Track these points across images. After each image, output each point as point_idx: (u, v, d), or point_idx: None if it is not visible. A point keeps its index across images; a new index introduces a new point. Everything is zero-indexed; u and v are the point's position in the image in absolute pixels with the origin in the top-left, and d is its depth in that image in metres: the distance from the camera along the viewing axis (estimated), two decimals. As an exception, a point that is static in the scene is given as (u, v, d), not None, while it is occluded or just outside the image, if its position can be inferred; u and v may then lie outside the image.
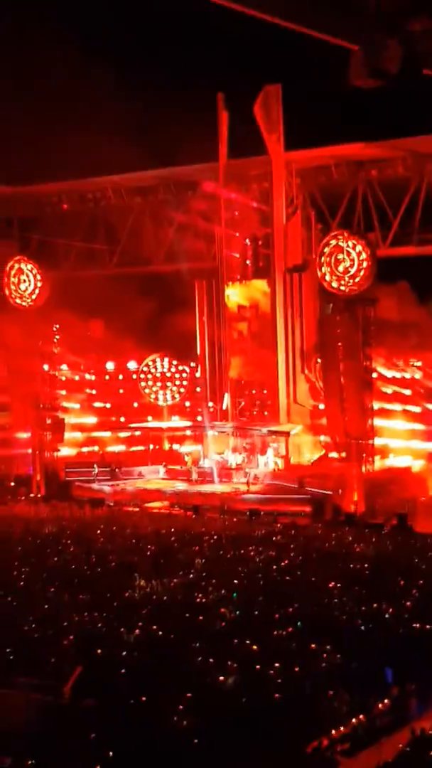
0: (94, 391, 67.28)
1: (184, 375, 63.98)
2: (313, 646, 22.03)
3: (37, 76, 55.31)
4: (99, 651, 22.19)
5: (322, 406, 54.57)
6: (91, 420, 66.19)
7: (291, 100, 56.00)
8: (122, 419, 66.54)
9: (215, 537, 39.14)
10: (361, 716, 18.65)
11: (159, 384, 64.10)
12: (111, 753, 16.35)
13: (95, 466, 57.76)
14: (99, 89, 52.12)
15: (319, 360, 54.80)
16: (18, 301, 58.12)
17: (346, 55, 12.72)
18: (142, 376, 64.26)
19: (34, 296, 58.10)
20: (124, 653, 21.98)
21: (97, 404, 66.98)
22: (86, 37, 55.61)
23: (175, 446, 63.79)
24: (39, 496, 55.64)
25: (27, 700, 19.24)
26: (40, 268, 58.53)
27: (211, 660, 21.21)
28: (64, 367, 63.20)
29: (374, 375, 51.66)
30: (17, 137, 54.77)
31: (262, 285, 59.81)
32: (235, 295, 60.49)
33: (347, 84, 12.84)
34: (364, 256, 49.76)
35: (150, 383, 64.08)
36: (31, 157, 57.22)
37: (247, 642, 22.40)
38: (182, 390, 64.14)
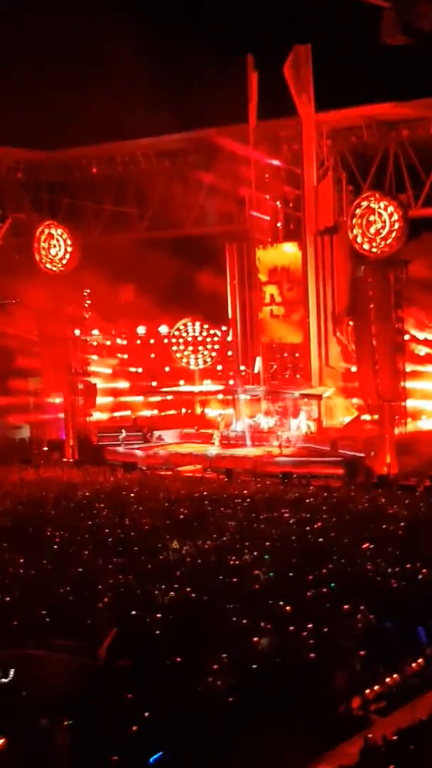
0: (125, 356, 67.39)
1: (216, 339, 63.98)
2: (346, 606, 22.09)
3: (65, 40, 55.15)
4: (133, 613, 22.36)
5: (354, 369, 54.40)
6: (123, 385, 66.38)
7: (321, 60, 55.56)
8: (154, 384, 66.66)
9: (248, 500, 39.28)
10: (394, 675, 18.74)
11: (190, 348, 64.13)
12: (147, 713, 16.49)
13: (123, 430, 58.12)
14: (127, 52, 51.90)
15: (351, 322, 54.59)
16: (48, 266, 58.18)
17: (378, 13, 12.59)
18: (174, 340, 64.30)
19: (64, 261, 58.12)
20: (159, 615, 22.12)
21: (129, 369, 67.12)
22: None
23: (207, 410, 63.91)
24: (72, 460, 55.98)
25: (63, 662, 19.43)
26: (70, 232, 58.52)
27: (245, 621, 21.32)
28: (95, 332, 63.29)
29: (407, 337, 51.47)
30: (45, 102, 54.64)
31: (293, 247, 59.59)
32: (266, 257, 60.31)
33: (379, 43, 12.73)
34: (395, 217, 49.45)
35: (181, 347, 64.13)
36: (59, 122, 57.14)
37: (281, 603, 22.49)
38: (214, 354, 64.15)
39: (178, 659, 18.97)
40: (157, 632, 20.95)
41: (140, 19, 55.62)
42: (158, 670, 18.67)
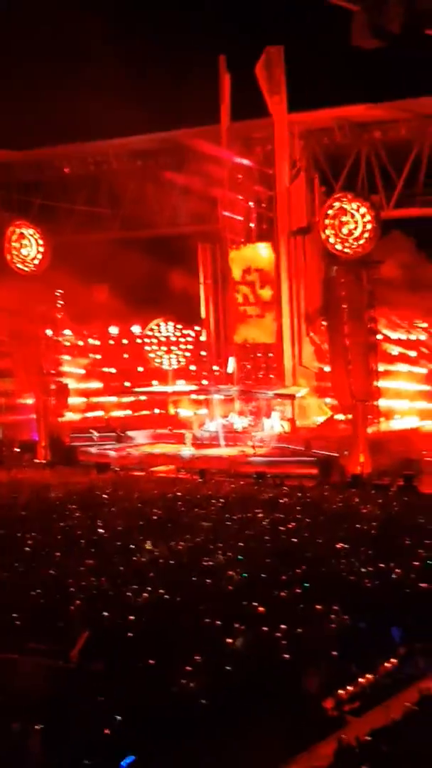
0: (98, 356, 67.30)
1: (189, 339, 64.04)
2: (320, 606, 22.10)
3: (38, 40, 54.98)
4: (106, 615, 22.30)
5: (327, 369, 54.53)
6: (96, 385, 66.28)
7: (293, 61, 55.69)
8: (127, 384, 66.60)
9: (222, 500, 39.27)
10: (368, 676, 18.76)
11: (164, 348, 64.20)
12: (119, 716, 16.45)
13: (93, 431, 58.04)
14: (100, 52, 51.80)
15: (324, 322, 54.73)
16: (20, 266, 57.92)
17: (348, 15, 12.61)
18: (147, 340, 64.29)
19: (36, 261, 57.87)
20: (132, 617, 22.06)
21: (102, 369, 67.02)
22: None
23: (180, 410, 63.91)
24: (44, 461, 55.82)
25: (35, 665, 19.34)
26: (42, 232, 58.32)
27: (218, 622, 21.30)
28: (67, 332, 63.15)
29: (379, 337, 51.62)
30: (17, 101, 54.44)
31: (266, 248, 59.67)
32: (239, 258, 60.34)
33: (349, 45, 12.75)
34: (368, 218, 49.57)
35: (155, 347, 64.20)
36: (31, 122, 56.94)
37: (255, 604, 22.48)
38: (187, 354, 64.21)
39: (152, 661, 18.92)
40: (130, 634, 20.88)
41: (113, 19, 55.59)
42: (131, 673, 18.62)
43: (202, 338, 63.45)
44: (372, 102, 55.48)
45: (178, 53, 52.56)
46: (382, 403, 51.35)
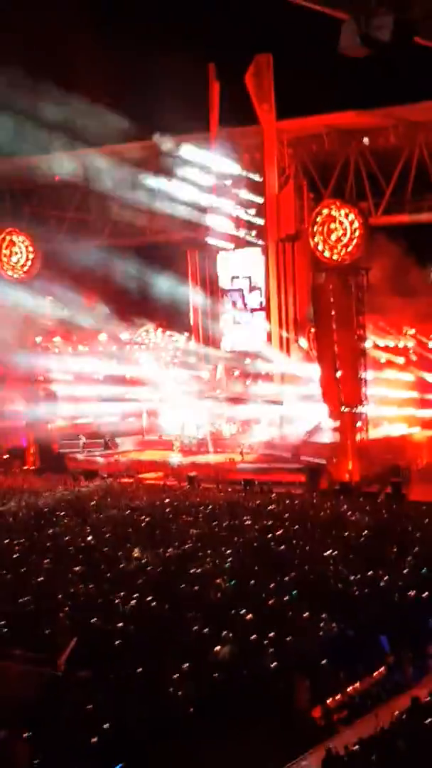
0: (87, 363, 67.11)
1: (177, 345, 63.90)
2: (308, 614, 22.09)
3: (25, 47, 54.85)
4: (94, 622, 22.25)
5: (316, 375, 54.46)
6: (85, 391, 66.11)
7: (282, 69, 55.77)
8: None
9: (210, 507, 39.25)
10: (357, 684, 18.76)
11: (152, 354, 64.01)
12: (107, 724, 16.41)
13: (81, 436, 57.99)
14: (89, 59, 51.74)
15: (312, 329, 54.71)
16: (10, 273, 57.91)
17: (337, 23, 12.62)
18: (136, 346, 64.16)
19: (26, 268, 57.89)
20: (120, 624, 22.03)
21: (91, 375, 66.86)
22: (76, 7, 55.11)
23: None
24: (33, 468, 55.73)
25: (23, 672, 19.30)
26: (32, 239, 58.29)
27: (206, 630, 21.28)
28: (56, 338, 63.04)
29: (367, 344, 51.62)
30: (8, 108, 54.32)
31: (255, 254, 59.71)
32: (228, 265, 60.38)
33: (338, 53, 12.76)
34: (356, 225, 49.58)
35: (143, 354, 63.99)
36: (21, 129, 56.78)
37: (243, 611, 22.46)
38: (176, 360, 64.05)
39: (139, 669, 18.89)
40: (118, 641, 20.85)
41: (103, 26, 55.51)
42: (119, 680, 18.59)
43: (191, 345, 63.40)
44: (360, 109, 55.47)
45: (167, 61, 52.46)
46: (370, 410, 51.30)
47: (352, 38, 12.43)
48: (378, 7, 12.17)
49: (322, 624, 21.61)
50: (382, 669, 19.56)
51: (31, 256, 57.71)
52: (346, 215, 49.71)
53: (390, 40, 12.23)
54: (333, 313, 49.29)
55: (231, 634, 20.80)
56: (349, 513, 37.53)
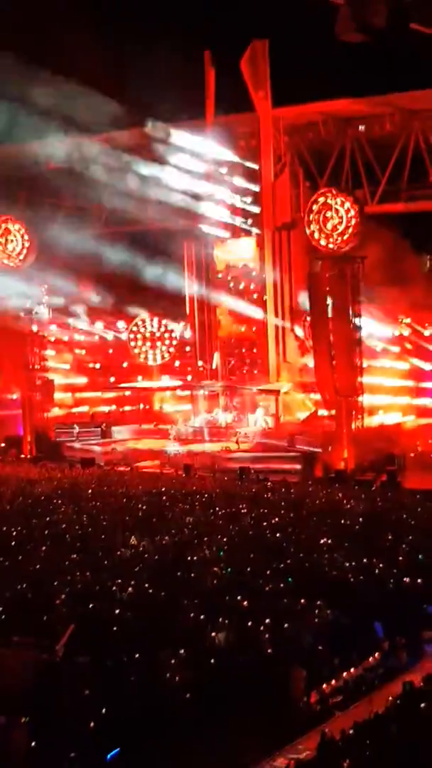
0: (83, 352, 67.19)
1: (174, 334, 63.92)
2: (303, 601, 22.17)
3: (20, 34, 54.71)
4: (91, 609, 22.31)
5: (311, 364, 54.55)
6: (81, 380, 66.21)
7: (278, 56, 55.68)
8: (112, 379, 66.57)
9: (206, 496, 39.32)
10: (352, 670, 18.84)
11: (148, 344, 64.03)
12: (104, 709, 16.48)
13: (75, 426, 58.06)
14: (84, 47, 51.63)
15: (308, 318, 54.76)
16: (5, 261, 57.82)
17: (334, 9, 12.63)
18: (132, 336, 64.17)
19: (21, 256, 57.82)
20: (117, 611, 22.09)
21: (87, 364, 66.97)
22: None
23: (165, 406, 63.95)
24: (30, 456, 55.78)
25: (21, 658, 19.35)
26: (28, 227, 58.23)
27: (202, 616, 21.35)
28: (53, 327, 63.04)
29: (363, 332, 51.62)
30: (2, 96, 54.19)
31: (251, 243, 59.71)
32: (223, 253, 60.39)
33: (334, 39, 12.78)
34: (352, 213, 49.58)
35: (139, 343, 64.02)
36: (16, 116, 56.67)
37: (239, 598, 22.53)
38: (172, 350, 64.09)
39: (137, 655, 18.96)
40: (115, 628, 20.92)
41: (98, 13, 55.41)
42: (116, 666, 18.65)
43: (187, 334, 63.44)
44: (356, 97, 55.42)
45: (163, 48, 52.37)
46: (366, 398, 51.34)
47: (348, 24, 12.46)
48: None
49: (317, 611, 21.68)
50: (376, 655, 19.64)
51: (26, 244, 57.66)
52: (342, 203, 49.73)
53: (385, 26, 12.25)
54: (328, 302, 49.34)
55: (227, 621, 20.87)
56: (345, 501, 37.62)
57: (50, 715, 16.49)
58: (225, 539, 29.88)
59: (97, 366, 67.25)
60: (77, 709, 16.68)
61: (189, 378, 63.23)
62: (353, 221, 49.44)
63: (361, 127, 57.59)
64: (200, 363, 62.37)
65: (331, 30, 12.74)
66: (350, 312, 49.29)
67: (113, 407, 65.98)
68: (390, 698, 17.03)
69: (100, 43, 51.90)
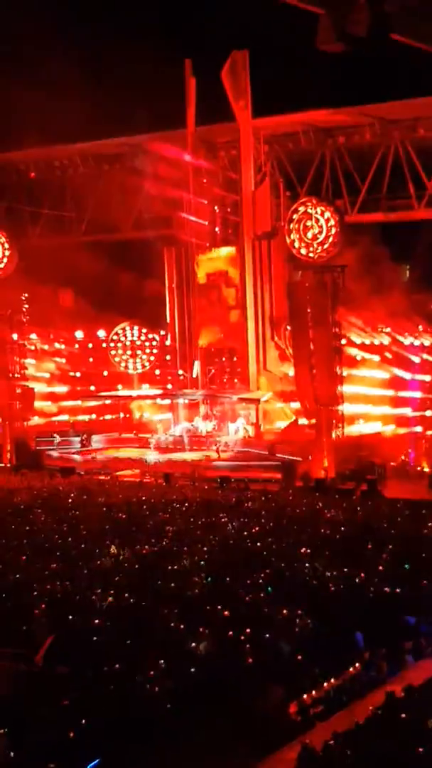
0: (63, 360, 67.08)
1: (154, 343, 63.90)
2: (284, 611, 22.14)
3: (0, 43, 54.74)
4: (71, 619, 22.23)
5: (291, 373, 54.60)
6: (61, 389, 66.09)
7: (259, 66, 55.78)
8: (92, 388, 66.49)
9: (186, 505, 39.27)
10: (333, 680, 18.81)
11: (129, 352, 63.98)
12: (84, 720, 16.41)
13: (56, 435, 57.96)
14: (65, 56, 51.71)
15: (288, 327, 54.83)
16: (-14, 269, 57.72)
17: (314, 19, 12.65)
18: (112, 344, 64.11)
19: (1, 265, 57.72)
20: (96, 621, 22.02)
21: (68, 373, 66.85)
22: (52, 3, 55.01)
23: (145, 414, 63.88)
24: (9, 465, 55.60)
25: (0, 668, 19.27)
26: (8, 236, 58.14)
27: (182, 626, 21.30)
28: (33, 336, 62.88)
29: (343, 341, 51.71)
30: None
31: (231, 252, 59.77)
32: (204, 262, 60.42)
33: (315, 49, 12.79)
34: (332, 222, 49.74)
35: (120, 352, 63.97)
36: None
37: (219, 608, 22.50)
38: (152, 358, 64.06)
39: (116, 665, 18.89)
40: (95, 638, 20.85)
41: (79, 22, 55.46)
42: (96, 677, 18.59)
43: (167, 342, 63.42)
44: (336, 107, 55.59)
45: (143, 57, 52.44)
46: (346, 407, 51.40)
47: (328, 34, 12.47)
48: (353, 2, 12.22)
49: (297, 620, 21.65)
50: (357, 665, 19.61)
51: (7, 253, 57.58)
52: (322, 213, 49.88)
53: (366, 36, 12.28)
54: (309, 310, 49.40)
55: (207, 631, 20.83)
56: (325, 510, 37.62)
57: (29, 726, 16.41)
58: (205, 548, 29.83)
59: (77, 374, 67.13)
60: (56, 719, 16.61)
61: (169, 386, 63.18)
62: (333, 230, 49.59)
63: (341, 138, 57.77)
64: (180, 371, 62.32)
65: (312, 40, 12.76)
66: (330, 321, 49.35)
67: (93, 416, 65.83)
68: (371, 709, 17.01)
69: (79, 51, 52.02)
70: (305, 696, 18.09)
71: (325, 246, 49.54)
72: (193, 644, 20.23)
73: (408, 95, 53.17)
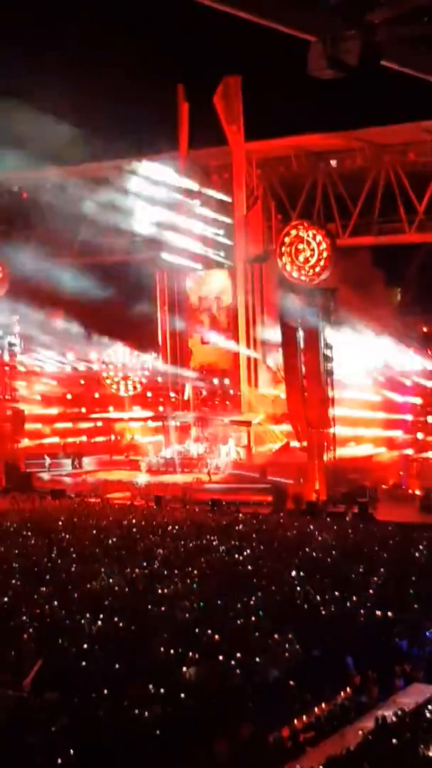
0: (54, 383, 67.03)
1: (146, 365, 63.89)
2: (275, 635, 22.06)
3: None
4: (60, 643, 22.12)
5: (283, 396, 54.58)
6: (52, 411, 66.00)
7: (251, 91, 56.08)
8: (83, 410, 66.41)
9: (177, 527, 39.17)
10: (323, 705, 18.72)
11: (120, 374, 63.97)
12: (72, 746, 16.30)
13: (46, 457, 57.90)
14: (58, 79, 51.83)
15: (279, 349, 54.83)
16: (-23, 291, 57.74)
17: (306, 45, 12.70)
18: (103, 366, 64.11)
19: (-8, 286, 57.79)
20: (86, 645, 21.91)
21: (58, 395, 66.79)
22: (46, 26, 55.26)
23: (136, 437, 63.81)
24: (-1, 488, 55.50)
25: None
26: (0, 258, 58.20)
27: (173, 651, 21.20)
28: (24, 358, 62.82)
29: (334, 364, 51.69)
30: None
31: (223, 275, 59.87)
32: (195, 285, 60.51)
33: (306, 75, 12.83)
34: (324, 246, 49.80)
35: (111, 374, 63.96)
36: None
37: (209, 632, 22.40)
38: (143, 380, 64.06)
39: (105, 691, 18.78)
40: (84, 663, 20.74)
41: (73, 46, 55.63)
42: (85, 702, 18.47)
43: (159, 364, 63.43)
44: (328, 132, 55.86)
45: (137, 82, 52.64)
46: (337, 430, 51.36)
47: (320, 61, 12.51)
48: (344, 30, 12.26)
49: (288, 644, 21.57)
50: (348, 689, 19.52)
51: (-1, 274, 57.67)
52: (314, 236, 49.94)
53: (357, 63, 12.32)
54: (300, 333, 49.42)
55: (197, 656, 20.73)
56: (316, 533, 37.54)
57: (18, 752, 16.29)
58: (196, 572, 29.74)
59: (69, 396, 67.09)
60: (45, 745, 16.49)
61: (161, 409, 63.13)
62: (325, 254, 49.65)
63: (333, 162, 58.00)
64: (172, 394, 62.31)
65: (304, 66, 12.80)
66: (321, 344, 49.36)
67: (84, 438, 65.72)
68: (362, 733, 16.93)
69: (73, 75, 52.10)
70: (296, 721, 18.00)
71: (317, 269, 49.58)
72: (183, 669, 20.13)
73: (399, 120, 53.53)
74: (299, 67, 13.30)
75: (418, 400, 55.28)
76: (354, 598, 25.72)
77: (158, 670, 19.99)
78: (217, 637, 22.20)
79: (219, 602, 25.66)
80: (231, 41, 47.77)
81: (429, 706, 18.00)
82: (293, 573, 29.13)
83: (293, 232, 50.56)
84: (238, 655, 20.66)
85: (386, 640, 22.18)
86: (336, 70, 12.60)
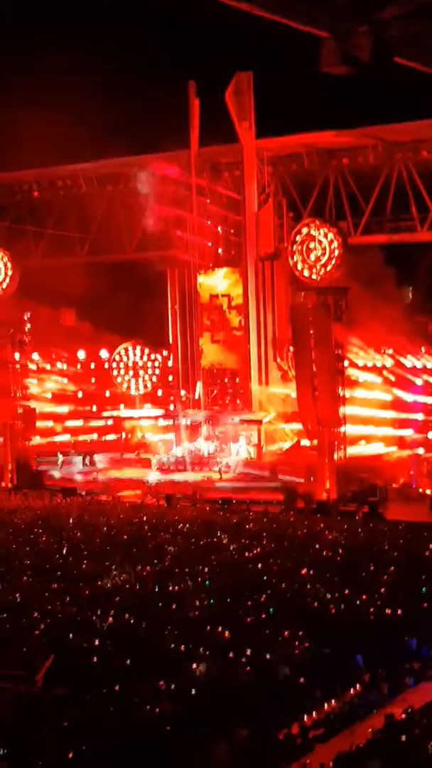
0: (65, 380, 67.07)
1: (156, 364, 63.89)
2: (285, 633, 22.06)
3: (6, 63, 54.96)
4: (71, 639, 22.16)
5: (294, 394, 54.52)
6: (63, 409, 66.03)
7: (263, 87, 55.99)
8: (94, 408, 66.44)
9: (188, 526, 39.18)
10: (333, 702, 18.72)
11: (131, 373, 63.98)
12: (83, 741, 16.32)
13: (59, 454, 57.86)
14: (70, 76, 51.91)
15: (291, 348, 54.77)
16: (-12, 289, 57.79)
17: (318, 42, 12.67)
18: (114, 364, 64.12)
19: (4, 285, 57.84)
20: (97, 642, 21.94)
21: (69, 393, 66.82)
22: (57, 23, 55.31)
23: (147, 435, 63.79)
24: (11, 485, 55.48)
25: (-1, 689, 19.20)
26: (11, 256, 58.23)
27: (183, 648, 21.22)
28: (35, 356, 62.87)
29: (345, 363, 51.66)
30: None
31: (234, 273, 59.82)
32: (206, 282, 60.47)
33: (319, 71, 12.81)
34: (335, 244, 49.79)
35: (122, 372, 63.97)
36: (0, 145, 56.83)
37: (220, 629, 22.41)
38: (154, 379, 64.05)
39: (116, 686, 18.80)
40: (95, 659, 20.76)
41: (84, 43, 55.68)
42: (96, 698, 18.50)
43: (170, 363, 63.43)
44: (340, 129, 55.76)
45: (148, 78, 52.68)
46: (348, 429, 51.28)
47: (332, 57, 12.49)
48: (357, 26, 12.24)
49: (298, 642, 21.57)
50: (357, 687, 19.52)
51: (9, 272, 57.66)
52: (326, 234, 49.93)
53: (370, 60, 12.30)
54: (311, 332, 49.35)
55: (208, 652, 20.74)
56: (326, 532, 37.52)
57: (29, 747, 16.32)
58: (206, 569, 29.75)
59: (79, 394, 67.11)
60: (56, 741, 16.52)
61: (171, 407, 63.13)
62: (336, 252, 49.64)
63: (345, 159, 57.87)
64: (183, 392, 62.30)
65: (316, 62, 12.78)
66: (332, 342, 49.30)
67: (95, 436, 65.74)
68: (371, 731, 16.93)
69: (84, 71, 52.17)
70: (305, 718, 18.01)
71: (328, 268, 49.57)
72: (194, 666, 20.14)
73: (411, 117, 53.38)
74: (311, 63, 13.28)
75: (429, 399, 55.17)
76: (364, 596, 25.71)
77: (168, 667, 20.00)
78: (227, 634, 22.22)
79: (229, 600, 25.68)
80: (243, 37, 47.84)
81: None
82: (303, 571, 29.12)
83: (304, 230, 50.56)
84: (248, 652, 20.67)
85: (396, 639, 22.16)
86: (349, 66, 12.58)
